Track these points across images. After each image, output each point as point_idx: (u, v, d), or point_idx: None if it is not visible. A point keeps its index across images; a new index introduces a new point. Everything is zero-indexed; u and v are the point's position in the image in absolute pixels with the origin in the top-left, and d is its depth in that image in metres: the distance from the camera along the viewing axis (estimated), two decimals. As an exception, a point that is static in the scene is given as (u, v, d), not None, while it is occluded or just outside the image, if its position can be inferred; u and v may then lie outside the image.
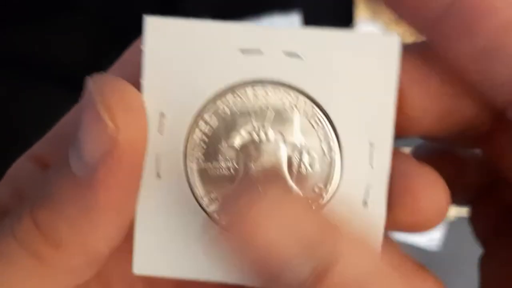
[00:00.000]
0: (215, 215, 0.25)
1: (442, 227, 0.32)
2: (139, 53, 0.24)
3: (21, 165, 0.27)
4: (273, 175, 0.24)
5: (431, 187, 0.24)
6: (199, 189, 0.24)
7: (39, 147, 0.27)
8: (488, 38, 0.22)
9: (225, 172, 0.24)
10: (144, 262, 0.25)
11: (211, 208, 0.24)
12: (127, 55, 0.27)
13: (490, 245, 0.29)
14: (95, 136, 0.22)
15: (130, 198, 0.24)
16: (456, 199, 0.25)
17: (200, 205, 0.24)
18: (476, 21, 0.22)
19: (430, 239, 0.44)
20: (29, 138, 0.27)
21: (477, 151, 0.29)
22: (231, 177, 0.24)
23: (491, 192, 0.29)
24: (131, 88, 0.22)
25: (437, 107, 0.25)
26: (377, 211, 0.24)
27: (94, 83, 0.22)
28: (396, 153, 0.24)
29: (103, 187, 0.22)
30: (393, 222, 0.24)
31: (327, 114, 0.24)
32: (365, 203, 0.24)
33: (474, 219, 0.31)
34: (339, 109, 0.24)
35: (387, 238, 0.25)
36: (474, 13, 0.22)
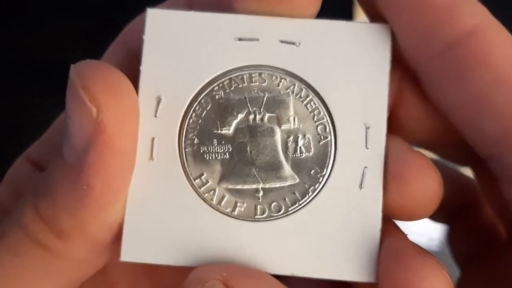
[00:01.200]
0: (206, 196, 0.24)
1: (441, 227, 0.30)
2: (130, 38, 0.25)
3: (19, 166, 0.26)
4: None
5: (423, 172, 0.23)
6: (192, 171, 0.24)
7: (34, 150, 0.27)
8: (479, 91, 0.22)
9: (220, 155, 0.24)
10: (133, 248, 0.23)
11: (203, 189, 0.24)
12: (118, 40, 0.27)
13: (466, 270, 0.28)
14: (79, 120, 0.21)
15: (124, 181, 0.23)
16: (432, 215, 0.24)
17: (193, 187, 0.24)
18: (470, 70, 0.22)
19: (430, 239, 0.41)
20: (29, 138, 0.27)
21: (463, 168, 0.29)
22: (225, 160, 0.24)
23: (467, 214, 0.29)
24: (113, 69, 0.22)
25: (432, 124, 0.25)
26: (373, 194, 0.23)
27: (75, 68, 0.22)
28: (388, 137, 0.24)
29: (93, 171, 0.21)
30: (384, 208, 0.23)
31: (322, 98, 0.24)
32: (361, 185, 0.24)
33: (451, 240, 0.30)
34: (334, 93, 0.24)
35: (389, 223, 0.24)
36: (471, 62, 0.22)
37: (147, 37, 0.24)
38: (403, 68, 0.25)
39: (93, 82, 0.21)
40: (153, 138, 0.24)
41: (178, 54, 0.24)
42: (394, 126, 0.24)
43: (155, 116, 0.24)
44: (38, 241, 0.22)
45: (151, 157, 0.24)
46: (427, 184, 0.23)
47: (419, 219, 0.23)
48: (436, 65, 0.23)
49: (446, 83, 0.23)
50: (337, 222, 0.23)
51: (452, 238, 0.30)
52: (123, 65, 0.24)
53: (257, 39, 0.24)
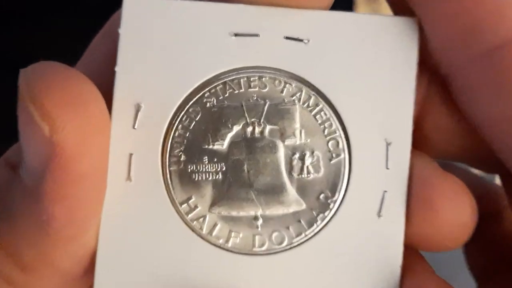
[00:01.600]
0: (195, 225, 0.20)
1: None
2: (108, 40, 0.21)
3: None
4: None
5: (455, 198, 0.20)
6: (178, 195, 0.20)
7: (14, 152, 0.23)
8: None
9: (211, 175, 0.20)
10: (109, 285, 0.20)
11: (191, 216, 0.20)
12: (104, 30, 0.22)
13: (482, 284, 0.25)
14: (31, 140, 0.18)
15: (91, 210, 0.19)
16: None
17: (179, 213, 0.20)
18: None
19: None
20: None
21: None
22: (218, 182, 0.20)
23: (487, 224, 0.25)
24: (71, 74, 0.18)
25: (461, 138, 0.22)
26: (394, 224, 0.20)
27: (24, 75, 0.18)
28: (413, 154, 0.20)
29: (52, 200, 0.18)
30: (407, 238, 0.20)
31: (334, 107, 0.20)
32: (379, 213, 0.20)
33: (468, 251, 0.27)
34: (349, 101, 0.20)
35: (412, 255, 0.20)
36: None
37: (123, 30, 0.20)
38: (431, 71, 0.21)
39: (44, 93, 0.17)
40: (130, 155, 0.20)
41: (161, 53, 0.20)
42: (417, 139, 0.20)
43: (134, 127, 0.20)
44: (2, 275, 0.20)
45: (129, 177, 0.20)
46: (459, 212, 0.20)
47: (448, 250, 0.20)
48: (475, 70, 0.19)
49: (485, 92, 0.19)
50: (351, 257, 0.20)
51: (469, 248, 0.27)
52: (108, 62, 0.20)
53: (257, 35, 0.20)
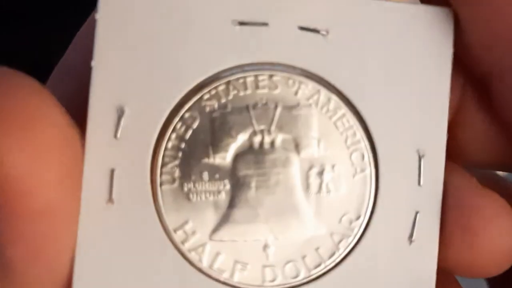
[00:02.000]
0: (193, 256, 0.16)
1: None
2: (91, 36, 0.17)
3: None
4: None
5: (497, 220, 0.17)
6: (172, 219, 0.16)
7: None
8: None
9: (212, 195, 0.17)
10: None
11: (187, 245, 0.16)
12: (88, 24, 0.19)
13: (497, 284, 0.24)
14: None
15: (60, 246, 0.16)
16: None
17: (172, 242, 0.16)
18: None
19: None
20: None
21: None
22: (221, 203, 0.17)
23: None
24: (20, 83, 0.14)
25: (500, 147, 0.19)
26: (427, 250, 0.17)
27: None
28: (446, 167, 0.18)
29: (7, 241, 0.15)
30: (443, 263, 0.18)
31: (358, 112, 0.17)
32: (411, 238, 0.17)
33: None
34: (375, 106, 0.17)
35: (446, 281, 0.17)
36: None
37: (101, 15, 0.16)
38: (465, 72, 0.18)
39: None
40: (112, 171, 0.16)
41: (150, 44, 0.16)
42: (450, 149, 0.18)
43: (115, 137, 0.16)
44: None
45: (110, 199, 0.16)
46: (501, 235, 0.17)
47: (488, 276, 0.17)
48: None
49: None
50: None
51: None
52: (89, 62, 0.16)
53: (266, 24, 0.17)
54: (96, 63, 0.16)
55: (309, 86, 0.17)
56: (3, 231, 0.15)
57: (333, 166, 0.17)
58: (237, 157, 0.17)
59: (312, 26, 0.17)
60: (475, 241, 0.17)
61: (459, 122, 0.19)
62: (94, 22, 0.16)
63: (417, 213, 0.17)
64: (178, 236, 0.17)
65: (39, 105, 0.14)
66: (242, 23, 0.17)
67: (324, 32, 0.17)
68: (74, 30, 0.18)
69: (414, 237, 0.17)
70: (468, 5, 0.17)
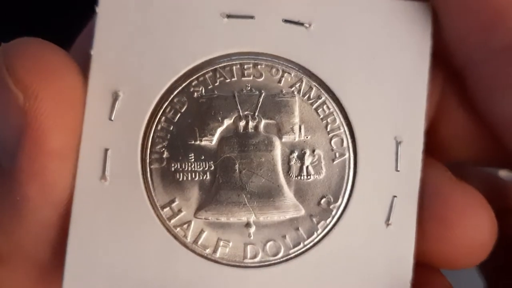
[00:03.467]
0: (178, 232, 0.17)
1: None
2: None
3: None
4: None
5: (472, 214, 0.18)
6: (160, 197, 0.17)
7: None
8: None
9: (198, 175, 0.18)
10: None
11: (174, 222, 0.17)
12: (81, 38, 0.21)
13: (494, 283, 0.24)
14: (4, 111, 0.17)
15: (67, 188, 0.17)
16: None
17: (160, 218, 0.17)
18: None
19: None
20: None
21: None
22: (206, 183, 0.18)
23: (499, 221, 0.24)
24: (48, 45, 0.17)
25: (481, 142, 0.20)
26: (404, 233, 0.18)
27: (2, 47, 0.17)
28: (425, 162, 0.18)
29: (26, 176, 0.17)
30: (420, 255, 0.18)
31: (338, 100, 0.18)
32: (388, 221, 0.17)
33: None
34: (355, 94, 0.18)
35: (424, 270, 0.18)
36: None
37: (101, 9, 0.18)
38: (445, 69, 0.19)
39: (20, 61, 0.16)
40: (106, 150, 0.17)
41: (143, 35, 0.18)
42: (430, 145, 0.19)
43: (110, 119, 0.18)
44: None
45: (104, 176, 0.17)
46: (477, 228, 0.18)
47: (465, 268, 0.18)
48: (495, 65, 0.18)
49: (505, 90, 0.17)
50: (354, 271, 0.17)
51: None
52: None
53: (252, 17, 0.18)
54: (94, 52, 0.18)
55: (292, 75, 0.18)
56: (23, 166, 0.16)
57: (313, 151, 0.18)
58: (222, 140, 0.18)
59: (295, 19, 0.18)
60: (449, 233, 0.17)
61: (441, 118, 0.19)
62: None
63: (394, 197, 0.18)
64: (165, 213, 0.18)
65: (61, 60, 0.17)
66: (229, 16, 0.18)
67: (307, 25, 0.18)
68: (76, 30, 0.19)
69: (391, 221, 0.18)
70: (445, 2, 0.18)
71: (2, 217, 0.18)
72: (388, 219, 0.18)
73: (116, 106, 0.18)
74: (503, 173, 0.25)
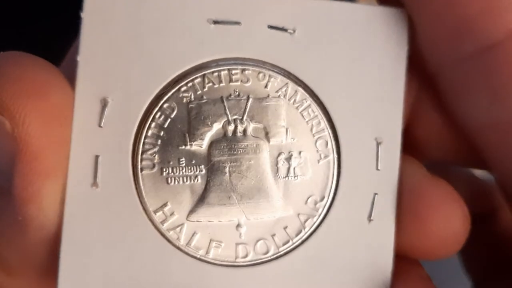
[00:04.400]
0: (171, 235, 0.18)
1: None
2: None
3: None
4: None
5: (444, 207, 0.19)
6: (152, 201, 0.18)
7: None
8: None
9: (189, 179, 0.18)
10: None
11: (166, 225, 0.18)
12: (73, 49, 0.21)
13: (481, 286, 0.25)
14: None
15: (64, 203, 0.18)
16: None
17: (152, 222, 0.18)
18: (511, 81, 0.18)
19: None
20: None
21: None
22: (197, 186, 0.18)
23: (483, 223, 0.25)
24: (31, 61, 0.17)
25: (454, 144, 0.21)
26: (385, 228, 0.19)
27: None
28: (402, 160, 0.19)
29: (23, 199, 0.16)
30: (398, 247, 0.19)
31: (322, 104, 0.19)
32: (370, 217, 0.19)
33: (463, 252, 0.26)
34: (337, 98, 0.19)
35: (403, 262, 0.19)
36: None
37: (86, 14, 0.18)
38: (420, 74, 0.20)
39: (1, 85, 0.16)
40: (97, 157, 0.17)
41: (131, 40, 0.18)
42: (407, 144, 0.20)
43: (100, 125, 0.18)
44: None
45: (95, 183, 0.17)
46: (448, 221, 0.19)
47: (441, 259, 0.19)
48: (464, 71, 0.18)
49: (473, 95, 0.19)
50: (340, 265, 0.18)
51: (465, 250, 0.26)
52: None
53: (238, 23, 0.18)
54: (81, 58, 0.18)
55: (278, 80, 0.19)
56: (20, 190, 0.16)
57: (300, 152, 0.19)
58: (212, 144, 0.18)
59: (280, 25, 0.19)
60: (423, 226, 0.18)
61: (416, 120, 0.20)
62: None
63: (375, 194, 0.19)
64: (157, 217, 0.18)
65: (46, 77, 0.16)
66: (216, 22, 0.18)
67: (291, 31, 0.19)
68: (75, 30, 0.19)
69: (372, 217, 0.19)
70: (417, 9, 0.19)
71: (10, 234, 0.18)
72: (370, 215, 0.19)
73: (105, 112, 0.18)
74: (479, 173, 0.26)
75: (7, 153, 0.16)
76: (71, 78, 0.17)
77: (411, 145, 0.20)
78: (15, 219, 0.17)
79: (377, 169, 0.19)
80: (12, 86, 0.16)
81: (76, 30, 0.18)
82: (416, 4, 0.19)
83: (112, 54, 0.18)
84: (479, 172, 0.25)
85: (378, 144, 0.19)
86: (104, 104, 0.18)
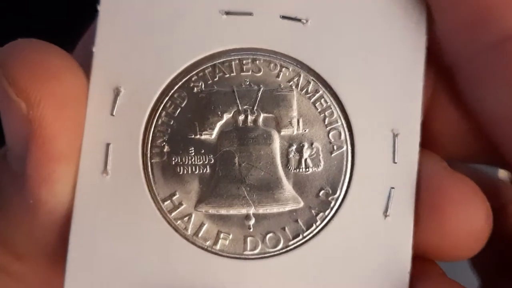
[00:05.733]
0: (179, 224, 0.18)
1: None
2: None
3: None
4: None
5: (466, 202, 0.18)
6: (161, 190, 0.18)
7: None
8: None
9: (198, 169, 0.18)
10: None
11: (174, 214, 0.18)
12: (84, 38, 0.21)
13: (490, 284, 0.24)
14: (10, 120, 0.17)
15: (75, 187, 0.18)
16: None
17: (161, 211, 0.18)
18: None
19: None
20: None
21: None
22: (206, 176, 0.18)
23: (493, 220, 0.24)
24: (45, 47, 0.17)
25: (472, 138, 0.20)
26: (402, 224, 0.18)
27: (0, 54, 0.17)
28: (420, 153, 0.18)
29: (36, 181, 0.17)
30: (415, 244, 0.18)
31: (335, 94, 0.18)
32: (386, 212, 0.18)
33: None
34: (351, 88, 0.18)
35: (421, 262, 0.18)
36: None
37: (103, 7, 0.18)
38: (437, 66, 0.19)
39: (18, 68, 0.16)
40: (108, 145, 0.18)
41: (144, 32, 0.18)
42: (424, 139, 0.19)
43: (112, 114, 0.18)
44: None
45: (105, 170, 0.18)
46: (471, 218, 0.18)
47: (460, 259, 0.18)
48: (482, 63, 0.18)
49: (491, 87, 0.18)
50: (353, 262, 0.18)
51: None
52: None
53: (250, 13, 0.18)
54: (96, 49, 0.18)
55: (290, 70, 0.18)
56: (33, 172, 0.17)
57: (311, 144, 0.18)
58: (222, 134, 0.18)
59: (292, 15, 0.18)
60: (443, 221, 0.17)
61: (432, 114, 0.19)
62: None
63: (392, 188, 0.18)
64: (166, 206, 0.18)
65: (60, 62, 0.17)
66: (228, 13, 0.18)
67: (304, 21, 0.18)
68: (78, 30, 0.20)
69: (388, 212, 0.18)
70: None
71: (21, 218, 0.18)
72: (386, 210, 0.18)
73: (117, 101, 0.18)
74: (502, 174, 0.25)
75: (21, 137, 0.17)
76: (83, 66, 0.18)
77: (428, 140, 0.19)
78: (26, 203, 0.17)
79: (394, 162, 0.18)
80: (28, 70, 0.16)
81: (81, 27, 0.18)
82: None
83: (126, 45, 0.18)
84: (483, 167, 0.24)
85: (394, 135, 0.18)
86: (116, 93, 0.18)
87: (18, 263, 0.19)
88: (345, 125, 0.18)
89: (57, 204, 0.17)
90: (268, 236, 0.18)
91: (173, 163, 0.18)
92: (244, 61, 0.18)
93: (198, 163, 0.18)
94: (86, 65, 0.18)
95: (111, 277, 0.17)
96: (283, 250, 0.18)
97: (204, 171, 0.18)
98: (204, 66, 0.18)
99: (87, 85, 0.18)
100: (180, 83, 0.18)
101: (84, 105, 0.18)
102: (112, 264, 0.17)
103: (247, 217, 0.18)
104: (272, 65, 0.18)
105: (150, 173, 0.18)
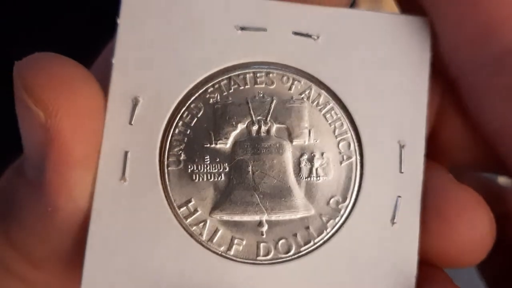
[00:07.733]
0: (194, 230, 0.18)
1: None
2: None
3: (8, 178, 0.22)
4: None
5: (471, 211, 0.18)
6: (177, 197, 0.18)
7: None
8: None
9: (213, 176, 0.19)
10: None
11: (190, 220, 0.18)
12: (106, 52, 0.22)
13: (493, 287, 0.24)
14: (29, 129, 0.18)
15: (92, 194, 0.18)
16: None
17: (177, 217, 0.18)
18: None
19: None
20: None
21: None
22: (220, 183, 0.19)
23: (498, 227, 0.24)
24: (62, 60, 0.18)
25: (478, 150, 0.21)
26: (409, 231, 0.18)
27: (17, 65, 0.18)
28: (426, 165, 0.19)
29: (54, 188, 0.17)
30: (421, 252, 0.19)
31: (345, 106, 0.19)
32: (393, 220, 0.18)
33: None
34: (360, 101, 0.19)
35: (428, 268, 0.18)
36: None
37: (122, 20, 0.19)
38: (444, 80, 0.20)
39: (36, 80, 0.17)
40: (126, 152, 0.18)
41: (162, 44, 0.19)
42: (431, 150, 0.20)
43: (130, 123, 0.18)
44: (12, 272, 0.20)
45: (123, 177, 0.18)
46: (475, 225, 0.18)
47: (465, 266, 0.18)
48: (485, 75, 0.19)
49: (495, 99, 0.19)
50: (362, 267, 0.18)
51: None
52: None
53: (264, 29, 0.19)
54: (116, 60, 0.19)
55: (302, 83, 0.19)
56: (51, 179, 0.17)
57: (322, 154, 0.19)
58: (236, 143, 0.19)
59: (304, 32, 0.19)
60: (448, 229, 0.18)
61: (440, 126, 0.20)
62: None
63: (398, 197, 0.19)
64: (182, 212, 0.18)
65: (76, 73, 0.18)
66: (243, 28, 0.19)
67: (315, 37, 0.19)
68: (80, 34, 0.20)
69: (396, 219, 0.19)
70: (439, 16, 0.19)
71: (38, 227, 0.19)
72: (393, 218, 0.19)
73: (136, 111, 0.19)
74: (502, 180, 0.26)
75: (39, 146, 0.17)
76: (103, 77, 0.18)
77: (436, 151, 0.20)
78: (44, 211, 0.18)
79: (401, 171, 0.19)
80: (46, 82, 0.17)
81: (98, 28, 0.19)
82: (439, 12, 0.19)
83: (144, 57, 0.19)
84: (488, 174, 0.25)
85: (401, 147, 0.19)
86: (135, 103, 0.19)
87: (35, 271, 0.20)
88: (354, 136, 0.19)
89: (74, 210, 0.18)
90: (280, 242, 0.19)
91: (189, 171, 0.19)
92: (258, 74, 0.19)
93: (213, 171, 0.19)
94: (106, 78, 0.19)
95: (127, 282, 0.18)
96: (295, 256, 0.18)
97: (219, 178, 0.19)
98: (220, 79, 0.19)
99: (103, 96, 0.18)
100: (197, 94, 0.19)
101: (100, 115, 0.18)
102: (129, 269, 0.18)
103: (260, 223, 0.19)
104: (284, 78, 0.19)
105: (166, 180, 0.19)
